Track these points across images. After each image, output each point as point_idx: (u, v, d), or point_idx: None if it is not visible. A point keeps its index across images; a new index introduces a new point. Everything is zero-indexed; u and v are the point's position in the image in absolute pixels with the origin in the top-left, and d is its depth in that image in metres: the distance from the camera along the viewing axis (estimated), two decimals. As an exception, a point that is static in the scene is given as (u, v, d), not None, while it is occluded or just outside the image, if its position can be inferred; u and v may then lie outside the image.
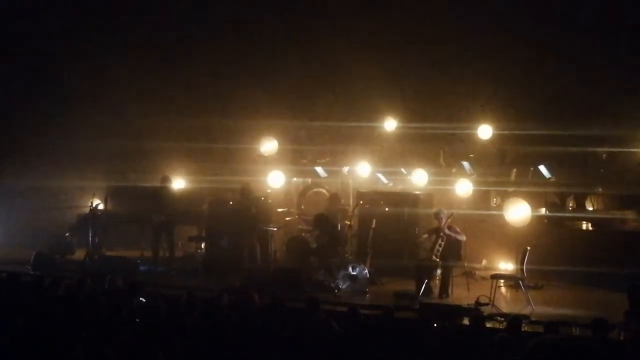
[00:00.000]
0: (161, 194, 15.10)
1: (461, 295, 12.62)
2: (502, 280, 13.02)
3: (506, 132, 16.00)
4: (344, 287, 13.00)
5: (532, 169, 15.32)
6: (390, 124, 17.20)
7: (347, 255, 13.99)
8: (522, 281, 12.36)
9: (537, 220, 13.89)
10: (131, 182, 16.78)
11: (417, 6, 17.19)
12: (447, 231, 12.75)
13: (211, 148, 17.28)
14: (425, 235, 13.11)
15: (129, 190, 16.65)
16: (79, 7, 18.28)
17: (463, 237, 12.96)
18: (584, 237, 14.69)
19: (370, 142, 17.06)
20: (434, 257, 12.73)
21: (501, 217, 13.13)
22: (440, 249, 12.72)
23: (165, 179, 15.34)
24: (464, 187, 14.44)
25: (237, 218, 14.89)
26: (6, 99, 18.20)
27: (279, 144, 16.93)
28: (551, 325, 9.05)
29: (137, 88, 18.17)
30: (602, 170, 15.28)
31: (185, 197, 15.99)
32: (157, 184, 15.39)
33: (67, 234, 16.49)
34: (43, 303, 9.17)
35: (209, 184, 16.33)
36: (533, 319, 10.76)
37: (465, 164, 15.55)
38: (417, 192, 15.05)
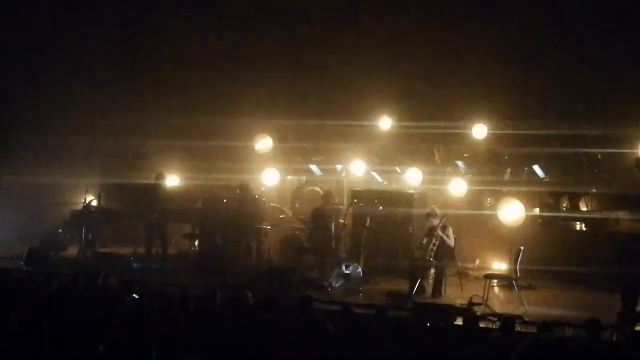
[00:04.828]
0: (153, 192, 15.06)
1: (454, 294, 12.61)
2: (495, 280, 13.01)
3: (501, 132, 16.03)
4: (337, 285, 12.98)
5: (526, 168, 15.35)
6: (385, 123, 17.22)
7: (340, 254, 13.98)
8: (516, 281, 12.36)
9: (531, 220, 13.88)
10: (125, 180, 16.73)
11: (413, 5, 17.20)
12: (439, 231, 12.74)
13: (206, 146, 17.25)
14: (425, 241, 13.05)
15: (123, 187, 16.58)
16: (72, 7, 18.21)
17: (452, 243, 12.89)
18: (578, 238, 14.69)
19: (365, 141, 17.05)
20: (427, 257, 12.72)
21: (495, 216, 13.10)
22: (435, 248, 12.71)
23: (160, 176, 15.31)
24: (458, 187, 14.43)
25: (231, 216, 14.87)
26: (1, 98, 18.13)
27: (274, 142, 16.92)
28: (544, 325, 9.04)
29: (131, 86, 18.12)
30: (596, 171, 15.28)
31: (179, 194, 15.95)
32: (151, 181, 15.36)
33: (60, 231, 16.47)
34: (36, 300, 9.13)
35: (203, 181, 16.29)
36: (526, 319, 10.76)
37: (460, 163, 15.57)
38: (411, 191, 15.04)
